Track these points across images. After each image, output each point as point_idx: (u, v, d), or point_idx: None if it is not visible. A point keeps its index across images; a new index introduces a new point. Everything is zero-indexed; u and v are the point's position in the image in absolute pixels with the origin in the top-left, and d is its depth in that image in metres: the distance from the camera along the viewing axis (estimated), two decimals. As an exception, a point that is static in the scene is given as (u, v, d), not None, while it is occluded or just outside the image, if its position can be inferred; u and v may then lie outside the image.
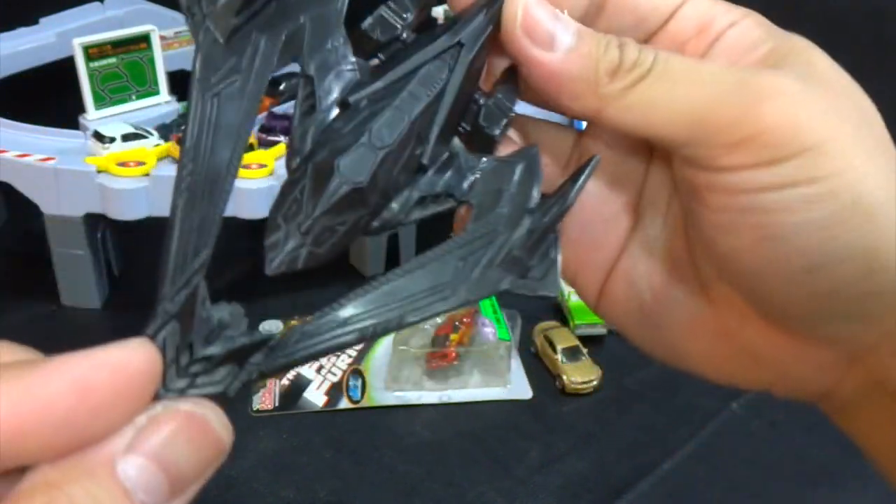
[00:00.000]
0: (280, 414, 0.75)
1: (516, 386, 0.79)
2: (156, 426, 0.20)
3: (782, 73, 0.24)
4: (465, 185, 0.25)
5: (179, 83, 0.98)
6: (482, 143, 0.26)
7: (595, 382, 0.78)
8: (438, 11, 1.13)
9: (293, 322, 0.83)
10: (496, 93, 0.26)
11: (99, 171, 0.80)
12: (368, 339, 0.23)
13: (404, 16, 0.26)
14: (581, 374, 0.78)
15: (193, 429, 0.20)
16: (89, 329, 0.85)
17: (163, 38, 0.92)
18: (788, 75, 0.24)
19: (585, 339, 0.82)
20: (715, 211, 0.25)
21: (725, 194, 0.24)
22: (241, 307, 0.22)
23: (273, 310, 0.84)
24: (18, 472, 0.19)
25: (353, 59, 0.25)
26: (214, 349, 0.21)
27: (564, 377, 0.78)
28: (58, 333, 0.83)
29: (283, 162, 0.89)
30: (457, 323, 0.81)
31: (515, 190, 0.25)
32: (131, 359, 0.20)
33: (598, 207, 0.29)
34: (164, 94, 0.92)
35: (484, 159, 0.26)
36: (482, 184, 0.25)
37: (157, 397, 0.20)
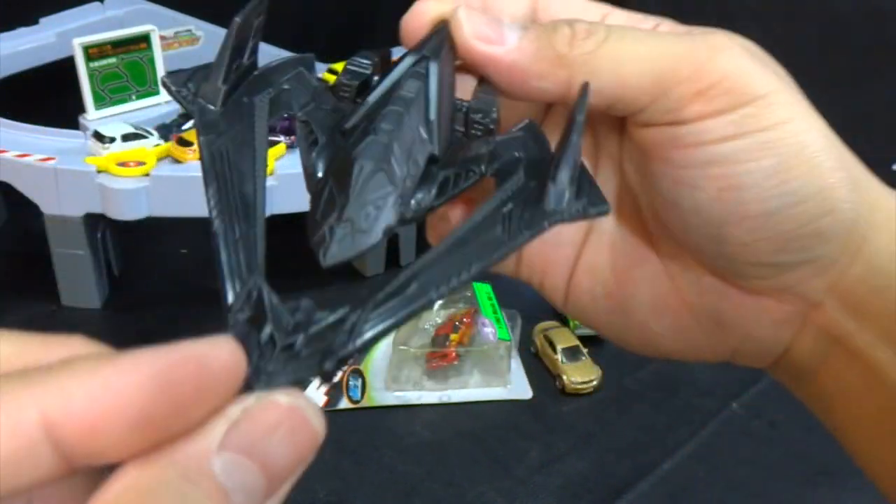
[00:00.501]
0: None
1: (516, 386, 0.79)
2: (252, 419, 0.18)
3: (723, 34, 0.27)
4: (483, 162, 0.26)
5: (179, 83, 0.98)
6: (485, 132, 0.28)
7: (595, 382, 0.78)
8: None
9: (293, 322, 0.83)
10: (475, 96, 0.28)
11: (99, 171, 0.80)
12: (443, 297, 0.23)
13: (367, 62, 0.28)
14: (581, 374, 0.78)
15: (292, 421, 0.18)
16: (89, 329, 0.84)
17: (163, 38, 0.92)
18: (728, 35, 0.27)
19: (585, 339, 0.82)
20: (679, 167, 0.27)
21: (689, 148, 0.26)
22: (311, 301, 0.21)
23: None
24: (95, 470, 0.18)
25: (335, 101, 0.27)
26: (296, 338, 0.20)
27: (564, 377, 0.78)
28: (58, 333, 0.83)
29: (283, 162, 0.89)
30: (457, 323, 0.81)
31: (530, 154, 0.27)
32: (216, 353, 0.18)
33: None
34: (164, 94, 0.92)
35: (488, 140, 0.27)
36: (497, 157, 0.27)
37: (247, 388, 0.19)
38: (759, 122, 0.26)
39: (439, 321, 0.82)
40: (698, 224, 0.27)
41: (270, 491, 0.18)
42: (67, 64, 0.87)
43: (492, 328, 0.81)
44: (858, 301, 0.28)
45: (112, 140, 0.82)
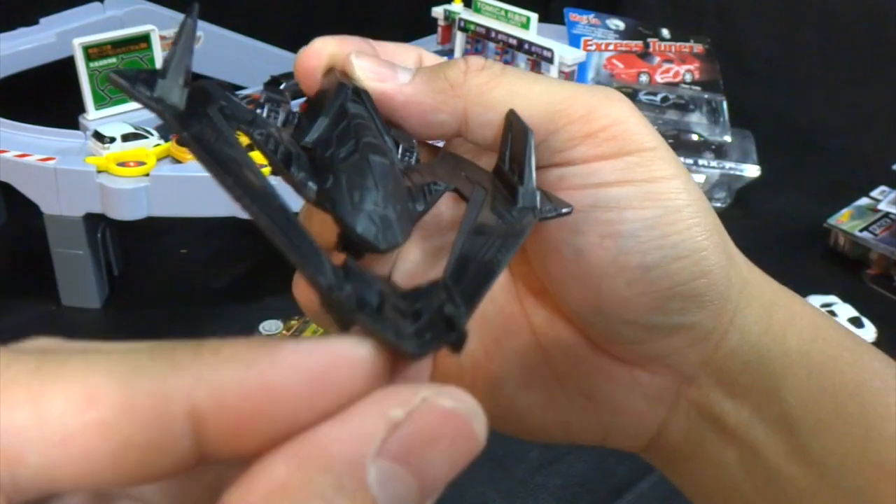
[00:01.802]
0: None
1: (516, 386, 0.79)
2: (414, 425, 0.16)
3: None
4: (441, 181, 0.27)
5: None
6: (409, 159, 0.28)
7: (595, 382, 0.78)
8: (438, 11, 1.13)
9: (293, 322, 0.83)
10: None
11: (99, 171, 0.80)
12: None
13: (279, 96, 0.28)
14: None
15: (456, 430, 0.17)
16: (89, 329, 0.85)
17: (163, 38, 0.92)
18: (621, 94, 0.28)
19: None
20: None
21: (575, 189, 0.27)
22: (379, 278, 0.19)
23: (273, 310, 0.84)
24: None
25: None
26: (410, 302, 0.19)
27: (564, 377, 0.78)
28: (58, 333, 0.83)
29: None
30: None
31: (471, 171, 0.27)
32: (360, 355, 0.16)
33: (423, 275, 0.29)
34: (164, 94, 0.92)
35: (431, 164, 0.28)
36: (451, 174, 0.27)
37: (405, 359, 0.17)
38: (644, 172, 0.26)
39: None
40: (578, 274, 0.27)
41: (421, 502, 0.17)
42: (67, 64, 0.87)
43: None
44: (732, 376, 0.28)
45: (112, 140, 0.82)
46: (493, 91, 0.27)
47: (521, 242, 0.23)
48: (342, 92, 0.26)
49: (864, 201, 0.99)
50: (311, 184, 0.24)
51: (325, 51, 0.28)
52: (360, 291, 0.18)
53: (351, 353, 0.16)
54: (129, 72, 0.22)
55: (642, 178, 0.26)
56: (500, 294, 0.30)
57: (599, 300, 0.27)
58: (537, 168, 0.26)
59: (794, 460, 0.27)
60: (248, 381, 0.16)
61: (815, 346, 0.28)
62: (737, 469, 0.28)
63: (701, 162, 1.05)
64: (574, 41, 1.15)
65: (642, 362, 0.29)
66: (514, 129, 0.26)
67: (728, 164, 1.05)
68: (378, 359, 0.17)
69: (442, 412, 0.16)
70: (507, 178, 0.26)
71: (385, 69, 0.27)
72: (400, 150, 0.27)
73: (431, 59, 0.30)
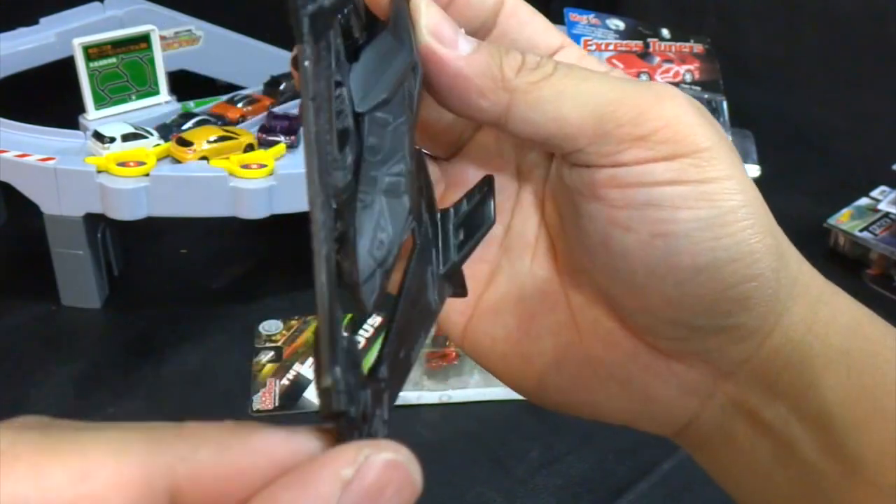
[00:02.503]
0: (280, 414, 0.75)
1: (516, 386, 0.79)
2: (362, 480, 0.18)
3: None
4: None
5: (179, 83, 0.98)
6: None
7: (595, 382, 0.78)
8: None
9: (293, 322, 0.83)
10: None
11: (99, 171, 0.80)
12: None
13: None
14: (581, 374, 0.78)
15: (399, 479, 0.19)
16: (89, 329, 0.85)
17: (163, 38, 0.92)
18: (676, 90, 0.27)
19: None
20: (614, 206, 0.26)
21: (625, 188, 0.26)
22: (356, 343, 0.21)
23: (273, 310, 0.84)
24: None
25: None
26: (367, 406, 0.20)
27: (564, 377, 0.78)
28: (58, 333, 0.83)
29: (282, 162, 0.89)
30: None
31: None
32: (317, 449, 0.19)
33: None
34: (164, 94, 0.92)
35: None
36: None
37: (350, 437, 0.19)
38: (699, 172, 0.26)
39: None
40: (625, 270, 0.27)
41: None
42: (67, 64, 0.87)
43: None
44: (772, 374, 0.27)
45: (112, 140, 0.82)
46: (540, 90, 0.26)
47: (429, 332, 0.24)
48: (403, 52, 0.25)
49: (864, 201, 0.98)
50: (346, 182, 0.22)
51: None
52: (350, 397, 0.19)
53: (310, 447, 0.19)
54: None
55: (696, 179, 0.26)
56: (541, 269, 0.30)
57: (645, 298, 0.27)
58: (588, 166, 0.26)
59: (830, 456, 0.27)
60: (222, 462, 0.18)
61: (856, 343, 0.27)
62: (770, 461, 0.28)
63: (701, 162, 1.05)
64: (574, 41, 1.15)
65: (681, 356, 0.28)
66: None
67: (728, 164, 1.05)
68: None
69: (384, 464, 0.19)
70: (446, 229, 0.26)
71: (449, 31, 0.26)
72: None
73: (513, 1, 0.28)
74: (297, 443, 0.19)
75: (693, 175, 0.26)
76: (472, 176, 0.30)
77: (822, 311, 0.28)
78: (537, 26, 0.29)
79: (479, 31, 0.28)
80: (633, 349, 0.29)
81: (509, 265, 0.30)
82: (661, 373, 0.29)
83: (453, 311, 0.31)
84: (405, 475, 0.19)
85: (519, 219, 0.30)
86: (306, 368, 0.79)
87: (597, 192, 0.27)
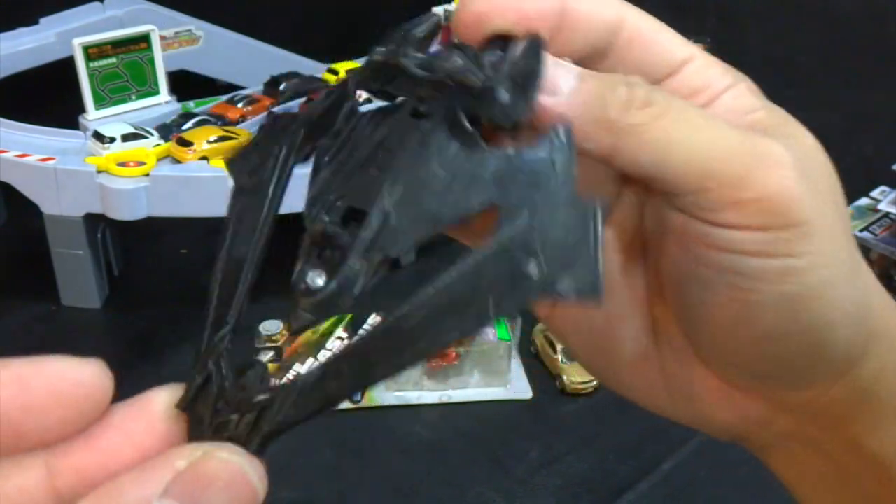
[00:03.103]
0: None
1: (516, 386, 0.79)
2: (194, 471, 0.20)
3: (782, 145, 0.25)
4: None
5: (179, 83, 0.98)
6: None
7: (595, 382, 0.78)
8: (438, 11, 1.13)
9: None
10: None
11: (99, 171, 0.80)
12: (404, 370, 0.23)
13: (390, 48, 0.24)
14: (581, 374, 0.78)
15: (231, 477, 0.20)
16: (89, 329, 0.85)
17: (163, 38, 0.92)
18: (788, 147, 0.25)
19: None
20: (698, 263, 0.26)
21: (713, 249, 0.25)
22: (261, 364, 0.23)
23: (273, 310, 0.84)
24: None
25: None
26: (237, 413, 0.22)
27: (564, 377, 0.78)
28: (58, 333, 0.83)
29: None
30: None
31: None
32: (77, 374, 0.21)
33: None
34: (164, 94, 0.92)
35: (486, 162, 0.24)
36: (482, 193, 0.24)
37: (190, 440, 0.21)
38: (789, 247, 0.24)
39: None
40: (696, 318, 0.27)
41: None
42: (67, 64, 0.87)
43: (492, 328, 0.81)
44: (834, 416, 0.27)
45: (112, 140, 0.82)
46: (649, 134, 0.24)
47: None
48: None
49: (864, 201, 0.98)
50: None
51: (492, 12, 0.25)
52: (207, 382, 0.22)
53: (63, 371, 0.21)
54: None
55: (785, 253, 0.24)
56: (633, 269, 0.29)
57: (713, 344, 0.27)
58: (682, 211, 0.25)
59: (892, 490, 0.27)
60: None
61: None
62: (831, 478, 0.28)
63: (701, 162, 1.05)
64: (574, 41, 1.15)
65: (743, 390, 0.28)
66: None
67: (728, 164, 1.05)
68: (95, 385, 0.21)
69: (218, 460, 0.20)
70: None
71: (547, 75, 0.25)
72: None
73: (635, 17, 0.27)
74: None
75: (782, 249, 0.24)
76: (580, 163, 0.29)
77: (892, 359, 0.27)
78: (662, 43, 0.27)
79: (592, 56, 0.26)
80: (701, 373, 0.28)
81: (605, 257, 0.30)
82: (722, 399, 0.29)
83: None
84: (238, 473, 0.20)
85: (619, 214, 0.30)
86: (306, 368, 0.79)
87: (684, 241, 0.26)
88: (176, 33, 1.03)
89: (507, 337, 0.80)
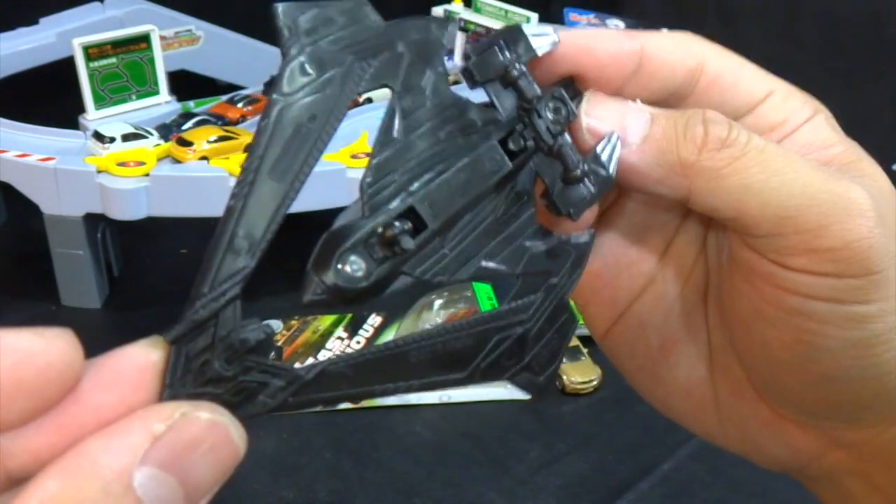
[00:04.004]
0: (280, 414, 0.75)
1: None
2: (175, 434, 0.18)
3: (862, 188, 0.25)
4: (522, 262, 0.25)
5: (179, 83, 0.98)
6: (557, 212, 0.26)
7: (595, 382, 0.78)
8: (438, 11, 1.13)
9: (293, 322, 0.83)
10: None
11: (99, 171, 0.80)
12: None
13: (511, 55, 0.25)
14: (581, 374, 0.78)
15: (214, 438, 0.19)
16: (89, 329, 0.85)
17: (163, 38, 0.92)
18: (866, 190, 0.25)
19: (585, 339, 0.82)
20: (766, 302, 0.25)
21: (782, 290, 0.25)
22: (272, 329, 0.21)
23: (273, 310, 0.84)
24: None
25: (449, 93, 0.24)
26: (229, 370, 0.20)
27: (564, 377, 0.78)
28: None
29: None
30: (457, 323, 0.81)
31: (559, 281, 0.25)
32: (45, 349, 0.18)
33: (624, 251, 0.29)
34: (164, 94, 0.92)
35: (542, 239, 0.25)
36: (533, 263, 0.25)
37: (163, 398, 0.19)
38: (860, 295, 0.24)
39: (439, 321, 0.82)
40: (759, 355, 0.27)
41: (192, 501, 0.18)
42: (67, 64, 0.87)
43: (492, 328, 0.81)
44: (888, 455, 0.27)
45: (112, 140, 0.82)
46: (725, 179, 0.24)
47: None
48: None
49: (864, 201, 0.98)
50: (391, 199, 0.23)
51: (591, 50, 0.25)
52: (200, 331, 0.20)
53: (29, 347, 0.18)
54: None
55: (854, 300, 0.24)
56: (691, 296, 0.29)
57: (773, 381, 0.27)
58: (754, 250, 0.25)
59: None
60: None
61: None
62: None
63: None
64: (574, 41, 1.15)
65: (798, 424, 0.28)
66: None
67: (728, 164, 1.05)
68: (63, 358, 0.18)
69: (199, 422, 0.18)
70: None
71: (615, 125, 0.25)
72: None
73: (717, 59, 0.26)
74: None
75: (853, 297, 0.24)
76: (637, 202, 0.29)
77: None
78: (743, 82, 0.27)
79: (669, 99, 0.26)
80: (755, 403, 0.28)
81: (663, 282, 0.30)
82: (775, 432, 0.28)
83: (601, 307, 0.30)
84: (223, 434, 0.19)
85: (682, 240, 0.29)
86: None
87: (754, 280, 0.26)
88: (176, 33, 1.03)
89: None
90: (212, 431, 0.19)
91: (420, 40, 0.24)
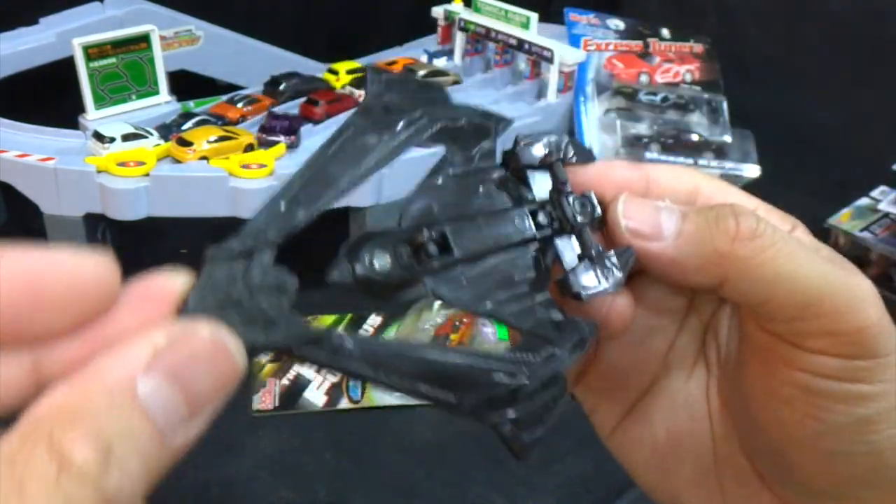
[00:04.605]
0: (280, 414, 0.75)
1: (516, 386, 0.79)
2: (176, 346, 0.19)
3: (866, 279, 0.27)
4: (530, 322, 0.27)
5: (179, 83, 0.98)
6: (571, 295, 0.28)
7: (595, 382, 0.78)
8: (438, 11, 1.13)
9: (293, 322, 0.83)
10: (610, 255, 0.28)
11: (99, 171, 0.80)
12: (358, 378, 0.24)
13: (550, 141, 0.28)
14: (581, 374, 0.78)
15: (214, 352, 0.20)
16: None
17: (163, 38, 0.92)
18: (872, 286, 0.27)
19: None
20: (780, 381, 0.27)
21: (796, 370, 0.27)
22: (295, 281, 0.22)
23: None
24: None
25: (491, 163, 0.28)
26: (247, 301, 0.21)
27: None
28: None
29: (282, 162, 0.89)
30: (456, 323, 0.81)
31: (560, 354, 0.27)
32: (89, 267, 0.20)
33: (630, 352, 0.31)
34: (163, 94, 0.92)
35: (552, 311, 0.27)
36: (540, 327, 0.27)
37: (177, 316, 0.21)
38: (869, 376, 0.26)
39: (439, 321, 0.82)
40: (765, 430, 0.28)
41: (191, 415, 0.20)
42: (67, 64, 0.87)
43: (492, 328, 0.81)
44: None
45: (112, 140, 0.82)
46: (759, 268, 0.26)
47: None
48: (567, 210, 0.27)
49: (864, 201, 0.99)
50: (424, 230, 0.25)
51: (610, 176, 0.28)
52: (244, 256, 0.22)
53: (74, 264, 0.20)
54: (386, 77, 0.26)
55: (864, 380, 0.26)
56: (695, 390, 0.31)
57: (780, 460, 0.28)
58: (771, 334, 0.27)
59: None
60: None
61: None
62: None
63: (701, 162, 1.05)
64: (574, 41, 1.15)
65: None
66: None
67: (728, 164, 1.05)
68: (103, 276, 0.20)
69: (199, 337, 0.20)
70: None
71: (648, 222, 0.27)
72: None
73: (708, 185, 0.29)
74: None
75: (862, 377, 0.26)
76: (640, 305, 0.30)
77: None
78: (732, 200, 0.29)
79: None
80: (758, 491, 0.30)
81: (667, 379, 0.32)
82: None
83: (608, 409, 0.32)
84: (221, 348, 0.20)
85: (682, 341, 0.32)
86: (306, 369, 0.79)
87: (769, 361, 0.27)
88: (176, 33, 1.03)
89: (506, 337, 0.80)
90: (211, 346, 0.20)
91: (480, 123, 0.27)
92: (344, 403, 0.76)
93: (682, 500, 0.32)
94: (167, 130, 0.87)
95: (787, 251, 0.26)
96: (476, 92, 1.07)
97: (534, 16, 1.06)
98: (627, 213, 0.27)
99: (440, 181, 0.26)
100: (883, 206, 0.96)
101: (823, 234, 0.96)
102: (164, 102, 0.92)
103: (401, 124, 0.25)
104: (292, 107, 0.93)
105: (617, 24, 1.20)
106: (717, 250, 0.26)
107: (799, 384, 0.27)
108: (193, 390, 0.19)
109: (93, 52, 0.86)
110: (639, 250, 0.27)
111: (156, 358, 0.19)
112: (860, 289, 0.26)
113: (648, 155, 1.05)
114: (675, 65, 1.17)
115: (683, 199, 0.28)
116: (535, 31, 1.06)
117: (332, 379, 0.78)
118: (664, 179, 0.29)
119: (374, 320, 0.84)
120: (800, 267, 0.26)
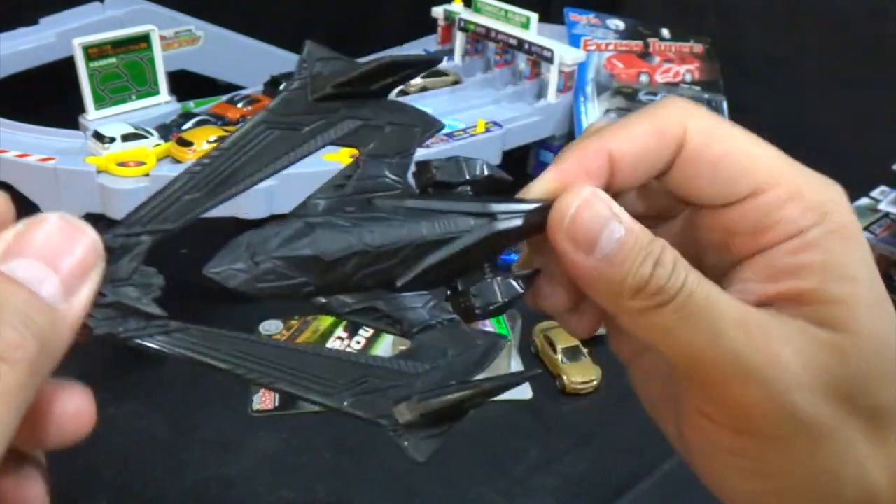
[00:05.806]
0: (280, 414, 0.75)
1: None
2: (27, 231, 0.22)
3: (793, 357, 0.26)
4: (417, 325, 0.27)
5: (179, 83, 0.98)
6: (463, 310, 0.28)
7: (595, 382, 0.78)
8: (438, 11, 1.13)
9: (293, 322, 0.83)
10: (509, 277, 0.28)
11: (99, 171, 0.80)
12: (237, 377, 0.26)
13: (468, 176, 0.28)
14: (581, 374, 0.78)
15: (66, 227, 0.22)
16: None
17: (163, 38, 0.92)
18: (808, 357, 0.26)
19: (585, 339, 0.82)
20: (696, 431, 0.30)
21: (698, 429, 0.29)
22: (161, 280, 0.26)
23: (273, 310, 0.84)
24: None
25: (402, 178, 0.27)
26: (111, 296, 0.24)
27: (564, 377, 0.78)
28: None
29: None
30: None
31: (457, 362, 0.27)
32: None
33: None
34: (164, 94, 0.92)
35: (453, 318, 0.28)
36: (435, 335, 0.27)
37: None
38: (759, 454, 0.28)
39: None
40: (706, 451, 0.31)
41: (68, 289, 0.22)
42: (67, 64, 0.87)
43: (491, 328, 0.81)
44: None
45: (112, 140, 0.82)
46: (644, 319, 0.27)
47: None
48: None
49: (864, 201, 0.98)
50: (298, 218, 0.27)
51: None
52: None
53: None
54: (322, 50, 0.26)
55: (754, 457, 0.28)
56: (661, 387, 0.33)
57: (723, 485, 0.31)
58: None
59: None
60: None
61: None
62: None
63: (701, 162, 1.05)
64: (574, 41, 1.15)
65: None
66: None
67: (728, 164, 1.05)
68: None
69: (47, 220, 0.23)
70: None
71: (588, 235, 0.26)
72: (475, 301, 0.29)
73: (698, 125, 0.29)
74: None
75: (751, 453, 0.28)
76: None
77: None
78: (734, 163, 0.29)
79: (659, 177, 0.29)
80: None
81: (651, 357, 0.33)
82: None
83: (666, 407, 0.34)
84: (74, 224, 0.23)
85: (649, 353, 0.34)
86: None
87: (687, 409, 0.30)
88: (176, 33, 1.03)
89: (506, 336, 0.80)
90: (62, 221, 0.23)
91: (403, 127, 0.27)
92: (344, 403, 0.76)
93: (657, 419, 0.34)
94: (167, 130, 0.87)
95: (683, 308, 0.26)
96: (476, 92, 1.07)
97: (534, 16, 1.06)
98: (579, 209, 0.26)
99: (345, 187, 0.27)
100: (883, 206, 0.96)
101: (823, 234, 0.96)
102: (164, 102, 0.92)
103: (314, 123, 0.25)
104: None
105: (617, 24, 1.20)
106: (620, 294, 0.26)
107: (707, 438, 0.30)
108: (57, 260, 0.22)
109: (93, 52, 0.86)
110: (563, 254, 0.27)
111: (11, 244, 0.22)
112: (752, 359, 0.26)
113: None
114: (675, 65, 1.17)
115: (657, 158, 0.28)
116: (535, 31, 1.06)
117: (332, 379, 0.78)
118: (628, 160, 0.27)
119: (374, 320, 0.84)
120: (688, 328, 0.26)
